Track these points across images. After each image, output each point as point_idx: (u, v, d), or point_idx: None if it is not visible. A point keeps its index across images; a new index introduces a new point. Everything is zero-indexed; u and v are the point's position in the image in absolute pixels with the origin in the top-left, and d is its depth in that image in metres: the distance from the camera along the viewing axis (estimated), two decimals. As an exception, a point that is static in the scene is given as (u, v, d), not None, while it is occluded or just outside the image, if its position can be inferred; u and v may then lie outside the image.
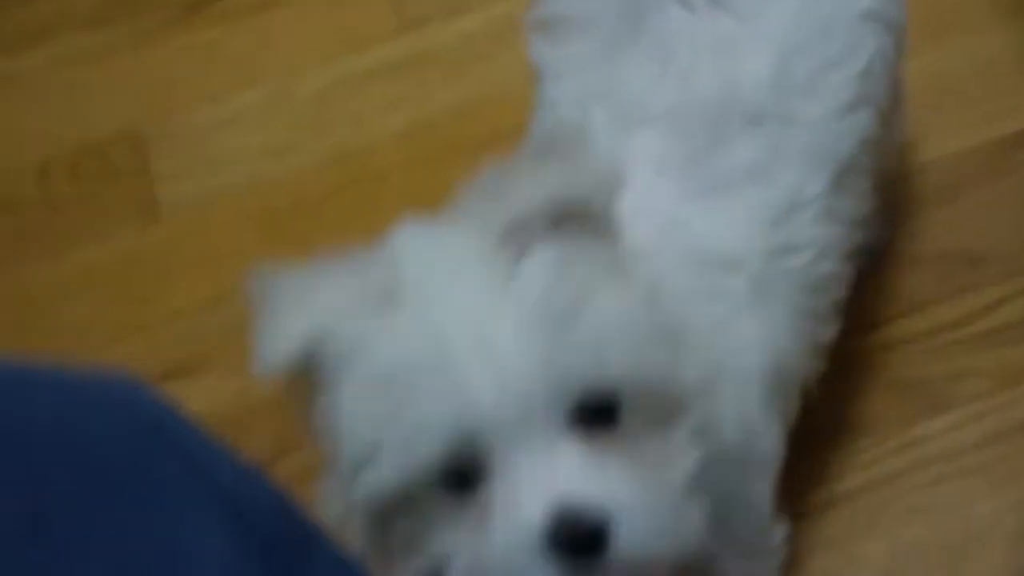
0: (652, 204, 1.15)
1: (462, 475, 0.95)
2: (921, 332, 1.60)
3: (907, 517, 1.50)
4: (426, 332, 0.95)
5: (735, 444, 1.11)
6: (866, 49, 1.28)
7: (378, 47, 1.91)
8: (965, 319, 1.60)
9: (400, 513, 0.99)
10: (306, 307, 0.99)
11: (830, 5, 1.28)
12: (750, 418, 1.15)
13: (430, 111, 1.76)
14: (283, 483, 1.56)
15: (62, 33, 1.99)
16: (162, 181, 1.87)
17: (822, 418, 1.31)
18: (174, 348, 1.73)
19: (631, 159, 1.16)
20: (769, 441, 1.19)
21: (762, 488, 1.20)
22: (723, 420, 1.09)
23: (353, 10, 1.95)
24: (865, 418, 1.55)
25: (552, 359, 0.93)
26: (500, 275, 0.96)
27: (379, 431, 0.94)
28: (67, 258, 1.83)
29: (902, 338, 1.59)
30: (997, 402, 1.55)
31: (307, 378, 1.00)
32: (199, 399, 1.65)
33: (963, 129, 1.71)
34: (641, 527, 0.93)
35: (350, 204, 1.76)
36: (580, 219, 1.00)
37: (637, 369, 0.97)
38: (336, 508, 1.04)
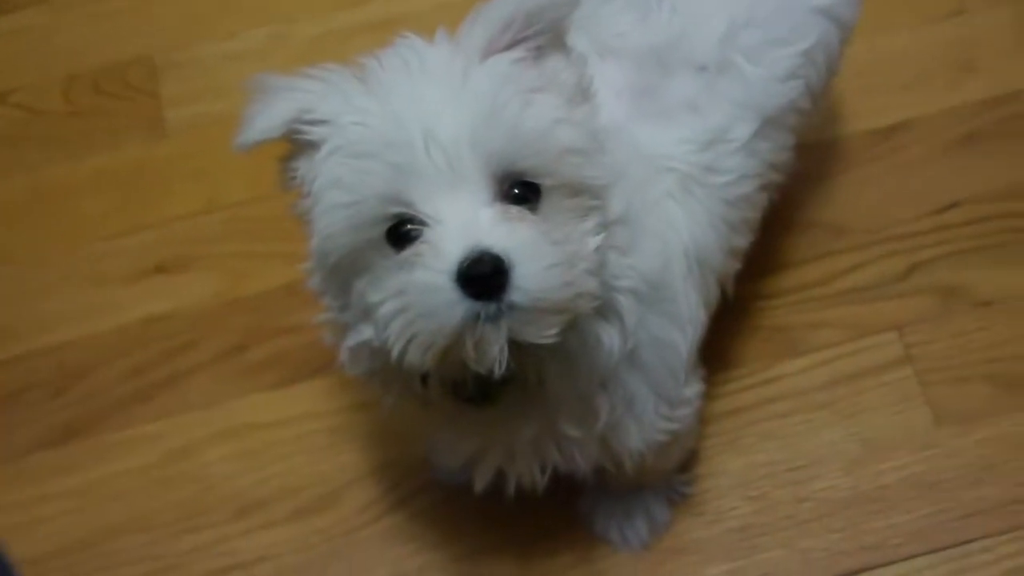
0: (609, 118, 1.32)
1: (401, 233, 1.13)
2: (787, 287, 1.78)
3: (762, 440, 1.70)
4: (386, 116, 1.13)
5: (647, 286, 1.29)
6: (810, 36, 1.46)
7: (365, 6, 2.07)
8: (825, 279, 1.78)
9: (355, 275, 1.17)
10: (296, 88, 1.19)
11: None
12: (667, 278, 1.33)
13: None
14: (250, 368, 1.75)
15: (94, -35, 2.14)
16: (170, 103, 2.03)
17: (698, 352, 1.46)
18: (167, 247, 1.91)
19: (598, 81, 1.30)
20: (686, 305, 1.37)
21: (677, 337, 1.37)
22: (641, 267, 1.28)
23: (346, -27, 2.11)
24: (733, 355, 1.74)
25: (480, 137, 1.11)
26: (458, 79, 1.14)
27: (339, 187, 1.14)
28: (83, 163, 2.00)
29: (771, 291, 1.78)
30: (845, 350, 1.73)
31: (288, 143, 1.20)
32: (183, 292, 1.88)
33: (841, 119, 1.88)
34: (535, 273, 1.10)
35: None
36: (549, 39, 1.19)
37: (553, 161, 1.15)
38: (315, 281, 1.25)
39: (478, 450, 1.40)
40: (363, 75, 1.18)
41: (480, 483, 1.44)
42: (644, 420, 1.38)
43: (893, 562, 1.60)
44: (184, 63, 2.06)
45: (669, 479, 1.64)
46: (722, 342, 1.70)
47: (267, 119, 1.18)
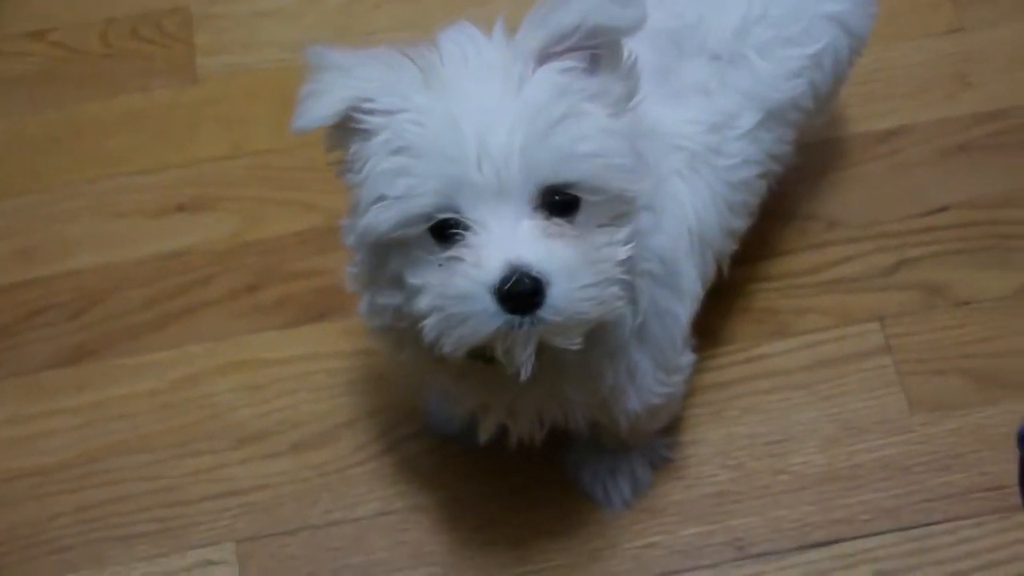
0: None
1: (446, 230, 1.12)
2: (779, 273, 1.78)
3: (744, 413, 1.69)
4: (442, 116, 1.11)
5: (662, 266, 1.30)
6: (820, 41, 1.46)
7: (396, -24, 2.06)
8: (815, 268, 1.78)
9: (394, 251, 1.16)
10: (353, 77, 1.15)
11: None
12: (675, 254, 1.33)
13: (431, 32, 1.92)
14: (260, 307, 1.74)
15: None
16: (203, 52, 2.01)
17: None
18: (190, 187, 1.90)
19: None
20: (688, 279, 1.37)
21: (678, 309, 1.37)
22: (657, 247, 1.29)
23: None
24: (723, 332, 1.73)
25: (529, 151, 1.10)
26: (514, 85, 1.12)
27: (391, 181, 1.12)
28: (115, 101, 1.98)
29: (764, 275, 1.77)
30: (829, 336, 1.73)
31: (341, 127, 1.17)
32: (202, 231, 1.87)
33: (843, 121, 1.88)
34: (568, 291, 1.12)
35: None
36: (606, 51, 1.17)
37: (597, 178, 1.14)
38: (351, 239, 1.22)
39: (484, 404, 1.40)
40: (422, 64, 1.15)
41: (484, 435, 1.44)
42: (643, 386, 1.39)
43: (861, 536, 1.59)
44: (219, 15, 2.05)
45: (653, 443, 1.63)
46: (714, 320, 1.69)
47: (323, 107, 1.15)
